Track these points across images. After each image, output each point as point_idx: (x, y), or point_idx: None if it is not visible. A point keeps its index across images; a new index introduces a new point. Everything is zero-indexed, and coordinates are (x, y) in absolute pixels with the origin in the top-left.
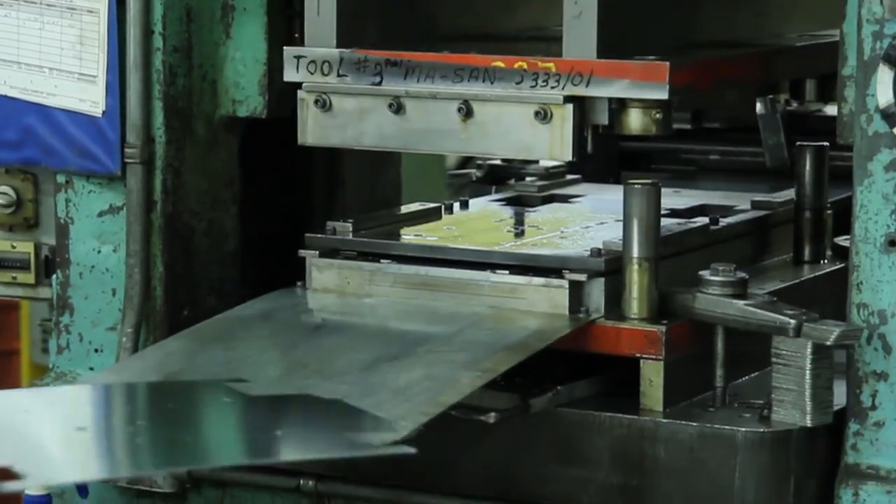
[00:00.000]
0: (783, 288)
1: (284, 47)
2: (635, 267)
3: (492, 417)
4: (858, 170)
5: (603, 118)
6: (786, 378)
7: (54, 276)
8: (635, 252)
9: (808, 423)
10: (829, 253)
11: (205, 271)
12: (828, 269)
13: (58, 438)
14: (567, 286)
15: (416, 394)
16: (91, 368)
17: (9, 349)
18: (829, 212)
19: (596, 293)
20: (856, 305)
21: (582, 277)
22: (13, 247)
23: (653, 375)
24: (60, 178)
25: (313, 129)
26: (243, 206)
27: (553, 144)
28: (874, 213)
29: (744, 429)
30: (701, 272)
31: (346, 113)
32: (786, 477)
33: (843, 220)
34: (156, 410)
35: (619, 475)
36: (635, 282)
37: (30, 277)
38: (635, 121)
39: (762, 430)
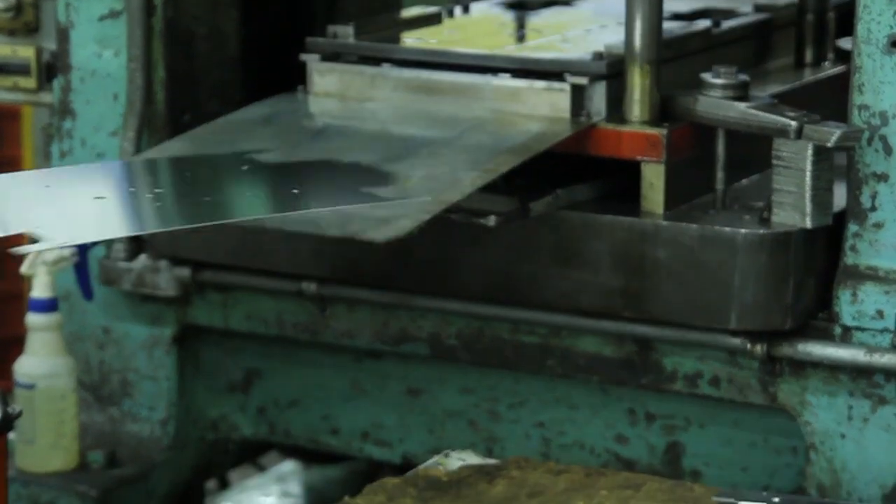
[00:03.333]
0: (785, 90)
1: None
2: (637, 70)
3: (492, 220)
4: None
5: None
6: (786, 180)
7: (56, 81)
8: (637, 55)
9: (808, 224)
10: (830, 55)
11: (206, 75)
12: (829, 72)
13: (78, 206)
14: (569, 89)
15: (418, 193)
16: None
17: (11, 157)
18: (831, 14)
19: (597, 96)
20: (857, 107)
21: (584, 81)
22: (14, 52)
23: (654, 178)
24: None
25: None
26: (244, 10)
27: None
28: (877, 14)
29: (744, 230)
30: (702, 75)
31: None
32: (785, 278)
33: (846, 22)
34: (176, 179)
35: (619, 277)
36: (637, 85)
37: (31, 83)
38: None
39: (762, 231)
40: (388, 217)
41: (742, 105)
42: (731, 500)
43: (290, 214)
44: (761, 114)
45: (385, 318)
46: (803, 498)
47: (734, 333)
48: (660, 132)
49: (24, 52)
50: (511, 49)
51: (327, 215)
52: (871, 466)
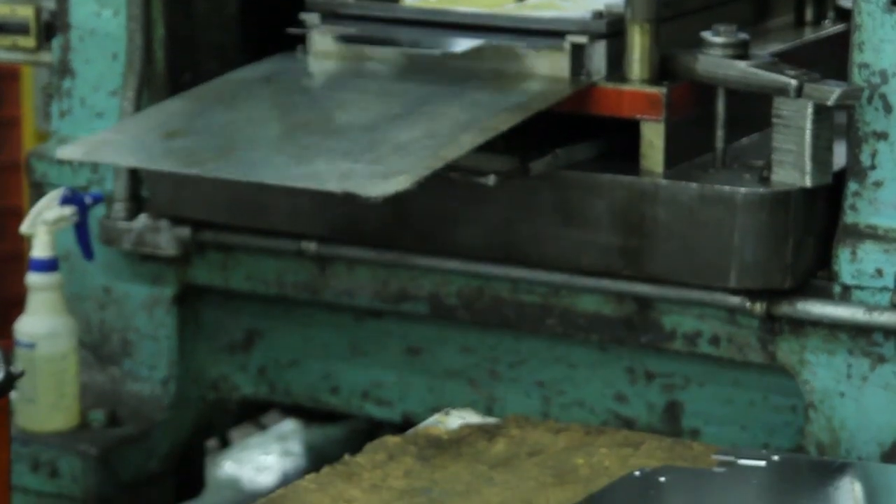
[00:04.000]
0: (785, 49)
1: None
2: (637, 28)
3: (491, 179)
4: None
5: None
6: (786, 139)
7: (55, 41)
8: (637, 14)
9: (808, 183)
10: (831, 14)
11: (206, 35)
12: (830, 31)
13: None
14: (568, 49)
15: (418, 149)
16: (94, 132)
17: (10, 117)
18: None
19: (597, 56)
20: (857, 65)
21: (583, 40)
22: (13, 11)
23: (653, 137)
24: None
25: None
26: None
27: None
28: None
29: (743, 189)
30: (702, 33)
31: None
32: (784, 237)
33: None
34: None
35: (618, 236)
36: (637, 44)
37: (30, 42)
38: None
39: (762, 190)
40: (386, 173)
41: (742, 64)
42: (731, 458)
43: (290, 172)
44: (761, 72)
45: (385, 278)
46: (802, 456)
47: (734, 292)
48: (660, 91)
49: (23, 11)
50: (511, 8)
51: (326, 171)
52: (869, 425)
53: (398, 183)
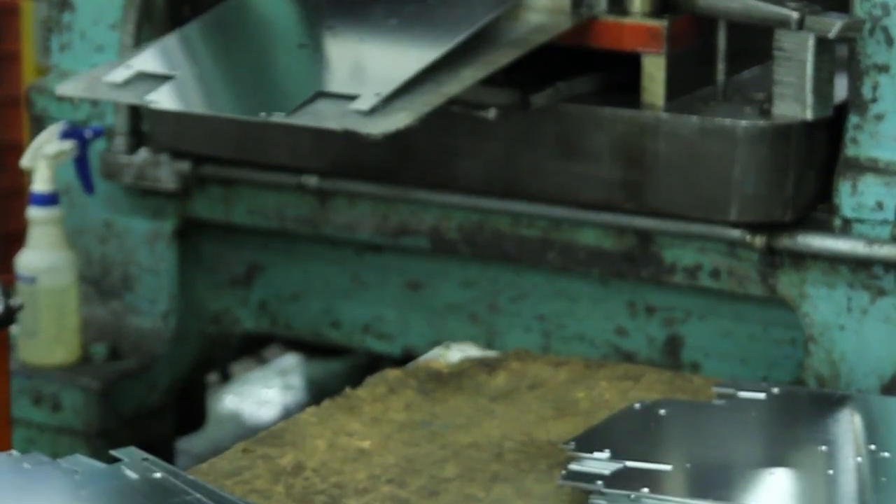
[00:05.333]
0: None
1: None
2: None
3: (492, 113)
4: None
5: None
6: (787, 71)
7: None
8: None
9: (809, 116)
10: None
11: None
12: None
13: None
14: None
15: (418, 85)
16: (94, 66)
17: (10, 52)
18: None
19: None
20: None
21: None
22: None
23: (654, 70)
24: None
25: None
26: None
27: None
28: None
29: (744, 122)
30: None
31: None
32: (785, 170)
33: None
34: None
35: (619, 169)
36: None
37: None
38: None
39: (763, 123)
40: (386, 110)
41: None
42: (730, 390)
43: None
44: (763, 4)
45: (385, 212)
46: (802, 388)
47: (734, 225)
48: (660, 24)
49: None
50: None
51: (326, 109)
52: (869, 357)
53: (399, 120)
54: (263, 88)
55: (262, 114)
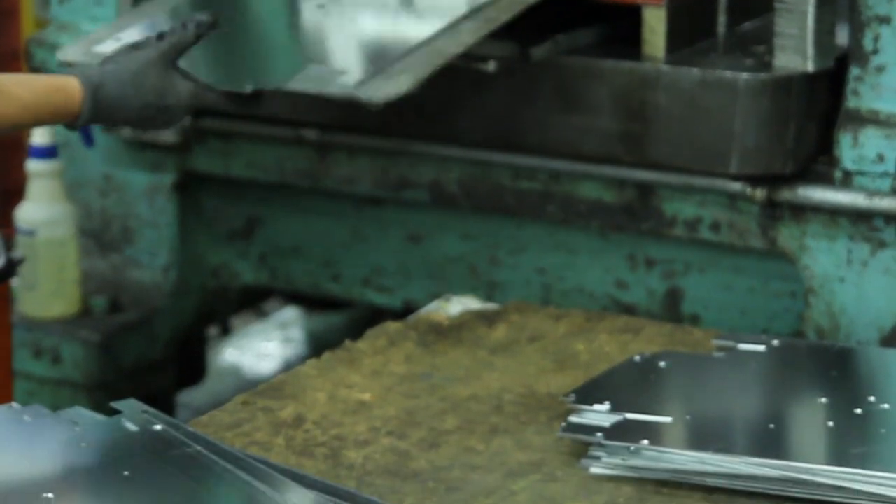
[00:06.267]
0: None
1: None
2: None
3: (492, 65)
4: None
5: None
6: (788, 23)
7: None
8: None
9: (810, 67)
10: None
11: None
12: None
13: None
14: None
15: (419, 45)
16: (93, 19)
17: (8, 5)
18: None
19: None
20: None
21: None
22: None
23: (655, 22)
24: None
25: None
26: None
27: None
28: None
29: (745, 74)
30: None
31: None
32: (786, 122)
33: None
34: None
35: (619, 122)
36: None
37: None
38: None
39: (763, 75)
40: (388, 73)
41: None
42: (730, 342)
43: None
44: None
45: (385, 165)
46: (802, 341)
47: (735, 178)
48: None
49: None
50: None
51: (326, 74)
52: (869, 309)
53: (400, 84)
54: (255, 60)
55: (248, 86)
